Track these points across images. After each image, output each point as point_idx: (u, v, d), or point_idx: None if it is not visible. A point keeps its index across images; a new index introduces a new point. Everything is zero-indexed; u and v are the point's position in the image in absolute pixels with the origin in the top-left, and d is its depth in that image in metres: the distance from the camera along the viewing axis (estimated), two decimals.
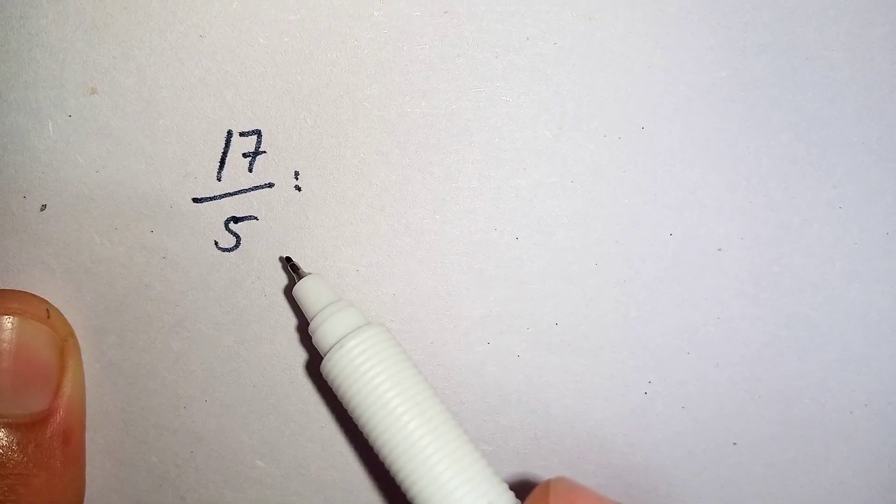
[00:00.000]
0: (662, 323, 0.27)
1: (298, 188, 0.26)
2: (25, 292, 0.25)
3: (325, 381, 0.23)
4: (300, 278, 0.25)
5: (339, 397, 0.23)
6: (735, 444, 0.28)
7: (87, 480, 0.26)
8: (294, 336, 0.27)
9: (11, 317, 0.24)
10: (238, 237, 0.26)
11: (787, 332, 0.27)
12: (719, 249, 0.27)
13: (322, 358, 0.23)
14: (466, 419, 0.27)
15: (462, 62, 0.25)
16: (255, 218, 0.26)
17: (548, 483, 0.21)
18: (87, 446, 0.26)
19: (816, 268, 0.27)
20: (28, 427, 0.23)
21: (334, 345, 0.23)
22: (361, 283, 0.26)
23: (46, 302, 0.25)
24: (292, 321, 0.27)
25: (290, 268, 0.25)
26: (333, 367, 0.23)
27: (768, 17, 0.26)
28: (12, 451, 0.23)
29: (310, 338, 0.24)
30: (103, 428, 0.27)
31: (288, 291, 0.26)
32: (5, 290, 0.25)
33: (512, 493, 0.22)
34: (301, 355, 0.27)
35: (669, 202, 0.26)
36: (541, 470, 0.28)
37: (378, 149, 0.26)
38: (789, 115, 0.26)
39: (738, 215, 0.27)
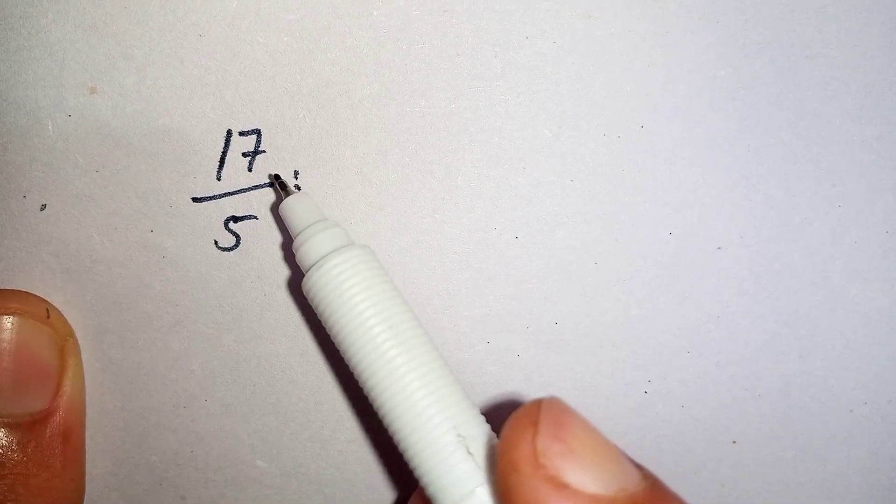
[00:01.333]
0: (662, 322, 0.27)
1: (298, 187, 0.26)
2: (25, 292, 0.25)
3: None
4: (287, 195, 0.24)
5: (318, 315, 0.23)
6: (735, 442, 0.28)
7: (87, 480, 0.26)
8: (293, 335, 0.27)
9: (11, 316, 0.24)
10: (238, 236, 0.26)
11: (787, 331, 0.27)
12: (719, 248, 0.27)
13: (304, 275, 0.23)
14: None
15: (461, 61, 0.25)
16: (255, 217, 0.26)
17: (539, 402, 0.20)
18: (87, 445, 0.26)
19: (816, 266, 0.27)
20: (28, 427, 0.23)
21: (315, 262, 0.23)
22: None
23: (46, 302, 0.25)
24: (292, 320, 0.27)
25: (279, 185, 0.25)
26: (314, 284, 0.22)
27: (768, 15, 0.26)
28: (12, 450, 0.23)
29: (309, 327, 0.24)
30: (103, 427, 0.27)
31: (275, 209, 0.26)
32: (5, 289, 0.25)
33: (484, 420, 0.22)
34: (300, 352, 0.27)
35: (669, 201, 0.26)
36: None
37: (377, 148, 0.26)
38: (789, 114, 0.26)
39: (737, 214, 0.27)
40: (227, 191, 0.26)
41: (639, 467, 0.20)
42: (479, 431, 0.22)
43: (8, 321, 0.24)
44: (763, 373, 0.27)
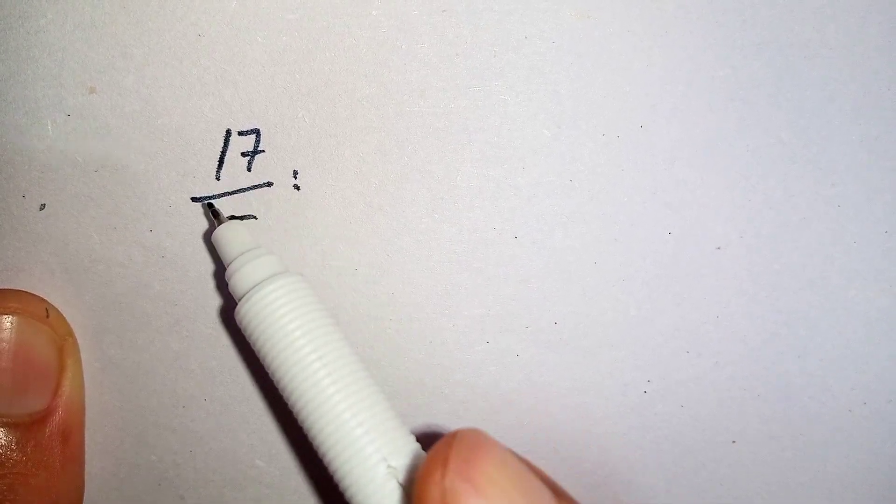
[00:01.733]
0: (662, 322, 0.27)
1: (297, 187, 0.26)
2: (24, 292, 0.25)
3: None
4: (220, 223, 0.25)
5: (251, 345, 0.23)
6: (734, 442, 0.28)
7: (86, 479, 0.27)
8: None
9: (11, 316, 0.24)
10: None
11: (786, 331, 0.27)
12: (718, 248, 0.27)
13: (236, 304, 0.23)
14: (465, 418, 0.27)
15: (460, 61, 0.25)
16: (254, 217, 0.26)
17: (453, 436, 0.20)
18: (86, 445, 0.26)
19: (815, 266, 0.27)
20: (27, 426, 0.23)
21: (246, 293, 0.23)
22: (360, 283, 0.26)
23: (45, 301, 0.25)
24: None
25: (212, 213, 0.25)
26: (245, 315, 0.23)
27: (766, 15, 0.26)
28: (11, 450, 0.23)
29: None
30: (102, 427, 0.27)
31: (207, 237, 0.26)
32: (4, 289, 0.25)
33: (416, 443, 0.22)
34: None
35: (668, 201, 0.26)
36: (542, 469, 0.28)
37: (377, 148, 0.26)
38: (788, 114, 0.26)
39: (737, 214, 0.27)
40: (226, 190, 0.26)
41: (558, 494, 0.20)
42: (411, 460, 0.21)
43: (7, 321, 0.24)
44: (762, 373, 0.27)
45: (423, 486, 0.19)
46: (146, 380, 0.27)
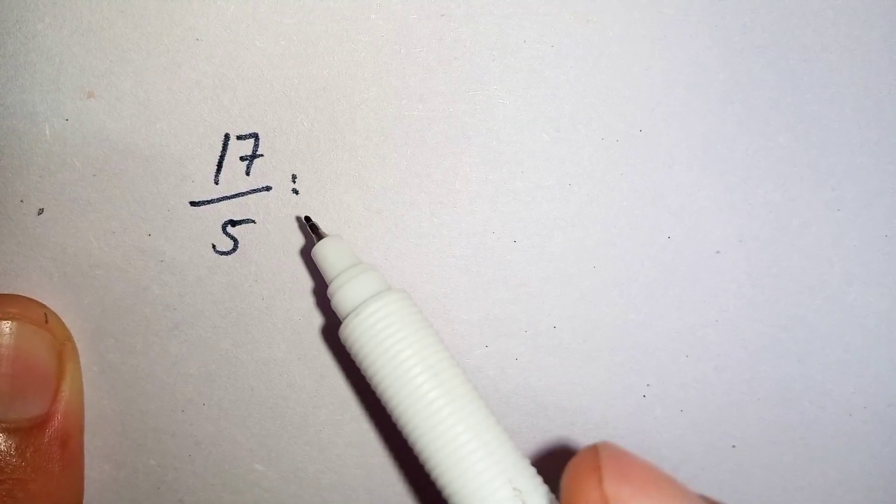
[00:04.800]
0: (661, 325, 0.27)
1: (296, 191, 0.26)
2: (23, 297, 0.25)
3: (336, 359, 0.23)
4: (319, 239, 0.24)
5: (357, 364, 0.22)
6: (734, 446, 0.28)
7: (85, 483, 0.27)
8: (291, 338, 0.27)
9: (10, 321, 0.24)
10: (236, 240, 0.26)
11: (785, 335, 0.27)
12: (718, 252, 0.27)
13: (340, 323, 0.23)
14: None
15: (459, 65, 0.25)
16: (253, 221, 0.26)
17: (595, 448, 0.20)
18: (85, 449, 0.26)
19: (815, 270, 0.27)
20: (26, 431, 0.23)
21: (352, 310, 0.22)
22: None
23: (44, 306, 0.25)
24: (290, 324, 0.27)
25: (310, 227, 0.25)
26: (351, 333, 0.22)
27: (766, 18, 0.26)
28: (10, 455, 0.23)
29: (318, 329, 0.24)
30: (102, 431, 0.27)
31: (305, 252, 0.26)
32: (3, 294, 0.25)
33: (536, 472, 0.21)
34: (298, 356, 0.27)
35: (668, 205, 0.26)
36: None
37: (375, 152, 0.26)
38: (787, 117, 0.26)
39: (736, 217, 0.27)
40: (224, 195, 0.26)
41: (703, 498, 0.20)
42: (534, 483, 0.21)
43: (6, 326, 0.24)
44: (762, 376, 0.27)
45: (579, 493, 0.19)
46: (145, 384, 0.27)
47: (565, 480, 0.19)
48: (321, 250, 0.24)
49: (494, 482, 0.20)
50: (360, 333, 0.22)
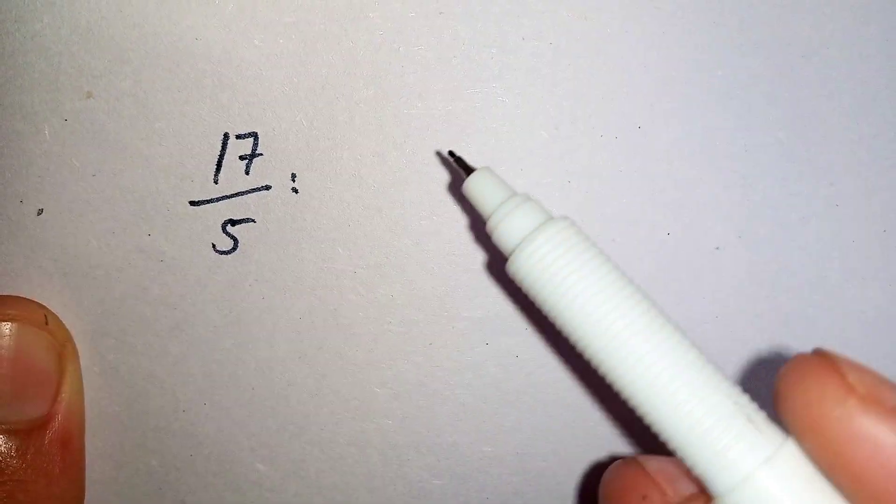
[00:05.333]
0: None
1: (295, 190, 0.26)
2: (23, 298, 0.25)
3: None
4: (468, 173, 0.22)
5: (531, 298, 0.21)
6: None
7: (86, 484, 0.26)
8: (292, 338, 0.27)
9: (9, 323, 0.24)
10: (235, 240, 0.26)
11: (785, 331, 0.27)
12: (717, 248, 0.27)
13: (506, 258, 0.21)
14: (466, 420, 0.27)
15: (458, 63, 0.25)
16: (253, 220, 0.26)
17: (816, 351, 0.18)
18: (86, 450, 0.26)
19: (814, 265, 0.27)
20: (27, 433, 0.23)
21: (517, 246, 0.21)
22: (359, 285, 0.26)
23: (44, 307, 0.25)
24: (291, 323, 0.26)
25: (456, 161, 0.23)
26: (518, 270, 0.21)
27: (764, 15, 0.26)
28: (11, 457, 0.23)
29: None
30: (103, 431, 0.27)
31: (454, 188, 0.25)
32: (3, 295, 0.25)
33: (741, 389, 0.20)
34: (299, 355, 0.27)
35: (667, 201, 0.26)
36: (541, 473, 0.28)
37: (375, 150, 0.26)
38: (786, 113, 0.26)
39: (735, 214, 0.27)
40: (224, 194, 0.26)
41: None
42: (755, 408, 0.19)
43: (6, 327, 0.24)
44: (762, 372, 0.27)
45: (819, 384, 0.18)
46: (145, 384, 0.27)
47: (793, 375, 0.18)
48: (473, 185, 0.22)
49: (712, 400, 0.19)
50: (529, 270, 0.20)
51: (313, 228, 0.26)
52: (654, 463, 0.21)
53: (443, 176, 0.26)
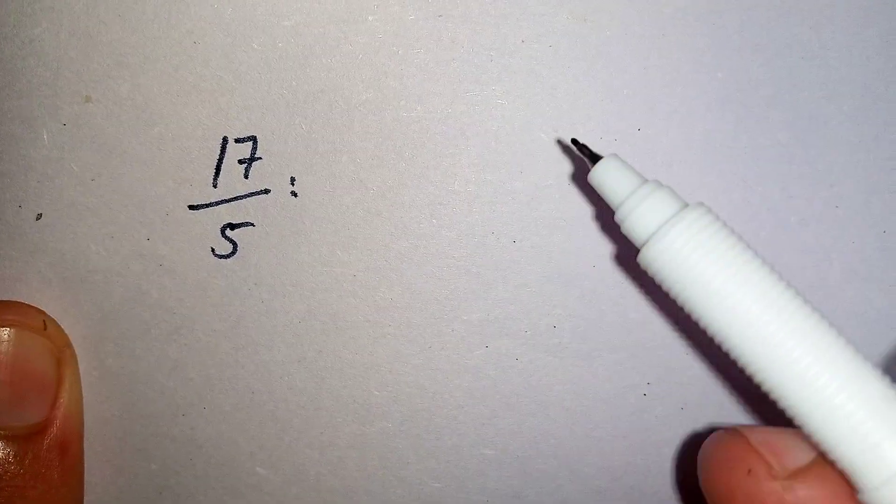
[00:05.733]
0: (661, 324, 0.27)
1: (295, 194, 0.26)
2: (22, 303, 0.25)
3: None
4: (594, 161, 0.21)
5: (666, 290, 0.20)
6: None
7: (86, 489, 0.26)
8: (291, 341, 0.27)
9: (8, 329, 0.24)
10: (235, 244, 0.26)
11: None
12: None
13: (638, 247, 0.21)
14: (466, 423, 0.27)
15: (457, 65, 0.25)
16: (252, 224, 0.26)
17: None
18: (85, 454, 0.26)
19: (814, 267, 0.27)
20: (25, 439, 0.23)
21: (651, 236, 0.20)
22: (359, 288, 0.26)
23: (43, 313, 0.25)
24: (290, 326, 0.26)
25: (579, 149, 0.22)
26: (653, 262, 0.20)
27: (764, 17, 0.26)
28: (9, 463, 0.23)
29: None
30: (102, 436, 0.27)
31: (579, 177, 0.24)
32: (2, 301, 0.25)
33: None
34: (298, 359, 0.27)
35: None
36: (540, 473, 0.28)
37: (374, 153, 0.26)
38: (786, 115, 0.26)
39: (735, 215, 0.26)
40: (223, 198, 0.26)
41: None
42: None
43: (5, 333, 0.24)
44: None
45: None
46: (145, 389, 0.27)
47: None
48: (600, 174, 0.21)
49: (868, 378, 0.19)
50: (665, 263, 0.20)
51: (312, 232, 0.26)
52: (758, 435, 0.21)
53: (442, 179, 0.26)
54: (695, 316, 0.20)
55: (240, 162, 0.25)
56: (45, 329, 0.25)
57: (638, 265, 0.21)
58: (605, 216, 0.26)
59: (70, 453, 0.25)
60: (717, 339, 0.20)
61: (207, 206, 0.26)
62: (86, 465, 0.26)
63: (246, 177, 0.26)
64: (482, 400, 0.27)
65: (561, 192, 0.26)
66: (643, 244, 0.20)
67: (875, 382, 0.19)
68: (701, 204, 0.20)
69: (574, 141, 0.23)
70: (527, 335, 0.27)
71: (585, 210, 0.26)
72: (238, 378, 0.27)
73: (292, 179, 0.26)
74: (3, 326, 0.24)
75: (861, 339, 0.27)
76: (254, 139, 0.25)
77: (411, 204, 0.26)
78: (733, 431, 0.21)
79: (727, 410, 0.27)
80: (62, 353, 0.25)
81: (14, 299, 0.25)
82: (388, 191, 0.26)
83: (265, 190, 0.26)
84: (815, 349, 0.19)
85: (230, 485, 0.27)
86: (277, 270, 0.26)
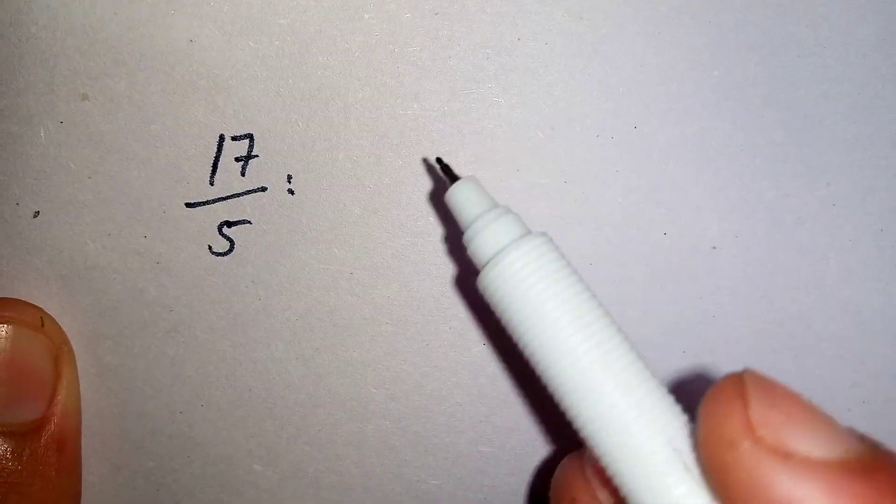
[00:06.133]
0: (657, 322, 0.27)
1: (291, 192, 0.26)
2: (19, 300, 0.25)
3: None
4: (453, 181, 0.22)
5: (497, 315, 0.21)
6: None
7: (83, 486, 0.27)
8: (289, 339, 0.27)
9: (6, 325, 0.24)
10: (232, 241, 0.26)
11: (782, 330, 0.27)
12: (713, 248, 0.27)
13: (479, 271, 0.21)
14: (463, 420, 0.27)
15: (453, 63, 0.25)
16: (249, 222, 0.26)
17: (740, 374, 0.18)
18: (83, 452, 0.26)
19: (810, 266, 0.27)
20: (22, 436, 0.23)
21: (490, 259, 0.20)
22: (356, 286, 0.26)
23: (41, 310, 0.25)
24: (287, 324, 0.27)
25: (442, 170, 0.23)
26: (489, 284, 0.20)
27: (760, 15, 0.26)
28: (6, 459, 0.23)
29: None
30: (100, 433, 0.27)
31: (436, 197, 0.25)
32: None
33: (691, 423, 0.19)
34: (296, 356, 0.27)
35: (663, 201, 0.26)
36: (538, 472, 0.28)
37: (371, 151, 0.26)
38: (782, 113, 0.26)
39: (731, 214, 0.27)
40: (220, 196, 0.26)
41: (853, 430, 0.18)
42: (692, 442, 0.19)
43: (2, 330, 0.24)
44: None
45: (723, 421, 0.17)
46: (143, 386, 0.27)
47: (704, 407, 0.18)
48: (454, 195, 0.22)
49: (653, 443, 0.19)
50: (498, 286, 0.20)
51: (309, 230, 0.26)
52: (590, 466, 0.21)
53: (438, 177, 0.26)
54: (520, 346, 0.20)
55: (236, 160, 0.25)
56: (42, 326, 0.25)
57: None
58: (455, 238, 0.25)
59: (67, 450, 0.25)
60: (535, 369, 0.20)
61: (204, 203, 0.26)
62: (83, 462, 0.26)
63: (243, 174, 0.26)
64: (480, 398, 0.27)
65: (557, 189, 0.26)
66: (482, 267, 0.21)
67: (668, 435, 0.19)
68: (543, 234, 0.21)
69: (438, 160, 0.23)
70: None
71: (582, 208, 0.26)
72: (235, 375, 0.27)
73: (289, 177, 0.26)
74: (0, 323, 0.24)
75: (857, 337, 0.27)
76: (250, 137, 0.25)
77: (408, 202, 0.26)
78: (576, 456, 0.22)
79: None
80: (59, 350, 0.25)
81: (11, 296, 0.25)
82: (385, 188, 0.26)
83: (262, 188, 0.26)
84: (620, 393, 0.19)
85: (228, 482, 0.28)
86: (275, 268, 0.26)
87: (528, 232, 0.21)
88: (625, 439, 0.19)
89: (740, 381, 0.17)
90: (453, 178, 0.22)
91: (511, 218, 0.21)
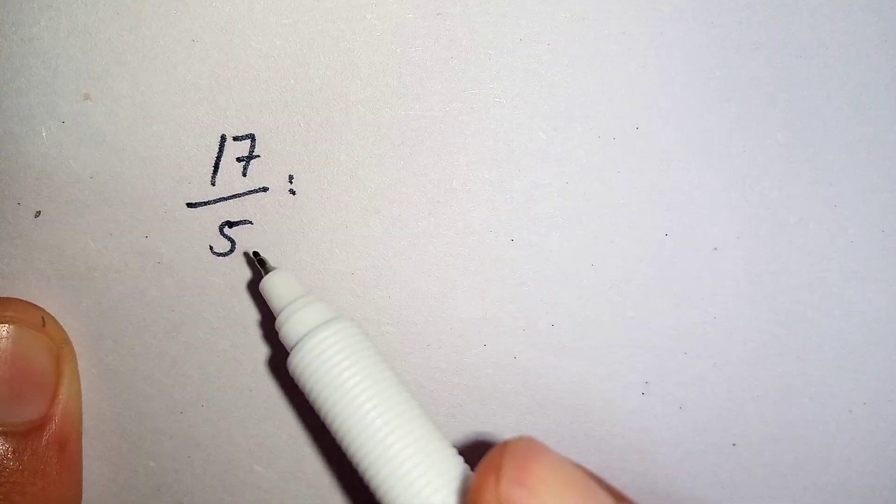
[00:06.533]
0: (659, 323, 0.27)
1: (293, 192, 0.26)
2: (21, 300, 0.25)
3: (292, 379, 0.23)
4: (267, 272, 0.24)
5: (305, 394, 0.23)
6: (734, 444, 0.28)
7: (84, 485, 0.26)
8: None
9: (7, 325, 0.24)
10: (233, 242, 0.26)
11: (784, 332, 0.27)
12: (715, 249, 0.27)
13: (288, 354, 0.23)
14: (463, 422, 0.27)
15: (455, 64, 0.25)
16: (250, 222, 0.26)
17: (504, 445, 0.20)
18: (84, 452, 0.26)
19: (813, 266, 0.27)
20: (23, 435, 0.23)
21: (298, 341, 0.23)
22: (357, 286, 0.26)
23: (42, 309, 0.25)
24: None
25: (258, 262, 0.25)
26: (298, 363, 0.22)
27: (762, 15, 0.26)
28: (8, 459, 0.23)
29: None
30: (100, 433, 0.27)
31: (253, 287, 0.26)
32: (0, 297, 0.25)
33: (471, 471, 0.22)
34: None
35: (665, 202, 0.26)
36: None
37: (372, 151, 0.26)
38: (784, 114, 0.26)
39: (734, 214, 0.26)
40: (221, 196, 0.26)
41: (619, 499, 0.20)
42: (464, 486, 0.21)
43: (3, 330, 0.24)
44: (761, 374, 0.27)
45: (476, 495, 0.19)
46: (144, 386, 0.27)
47: (476, 470, 0.20)
48: (268, 284, 0.24)
49: (428, 488, 0.21)
50: (306, 364, 0.22)
51: (311, 230, 0.26)
52: None
53: (440, 177, 0.26)
54: (325, 419, 0.22)
55: (238, 160, 0.25)
56: (43, 326, 0.25)
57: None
58: (269, 324, 0.26)
59: (68, 450, 0.25)
60: (339, 442, 0.22)
61: (206, 203, 0.26)
62: (84, 462, 0.26)
63: (244, 175, 0.26)
64: (479, 399, 0.27)
65: (559, 190, 0.26)
66: (290, 351, 0.23)
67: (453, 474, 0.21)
68: (347, 319, 0.23)
69: (255, 253, 0.25)
70: (525, 334, 0.27)
71: (583, 209, 0.26)
72: (237, 376, 0.27)
73: (290, 177, 0.26)
74: (1, 323, 0.24)
75: (860, 338, 0.27)
76: (252, 137, 0.25)
77: (409, 202, 0.26)
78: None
79: (725, 410, 0.27)
80: (61, 349, 0.25)
81: (12, 296, 0.25)
82: (387, 189, 0.26)
83: (263, 188, 0.26)
84: (410, 452, 0.21)
85: (228, 482, 0.28)
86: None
87: (334, 317, 0.23)
88: (409, 497, 0.21)
89: (500, 454, 0.19)
90: (267, 269, 0.25)
91: (316, 307, 0.23)
